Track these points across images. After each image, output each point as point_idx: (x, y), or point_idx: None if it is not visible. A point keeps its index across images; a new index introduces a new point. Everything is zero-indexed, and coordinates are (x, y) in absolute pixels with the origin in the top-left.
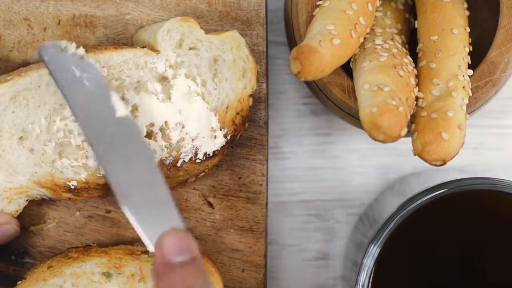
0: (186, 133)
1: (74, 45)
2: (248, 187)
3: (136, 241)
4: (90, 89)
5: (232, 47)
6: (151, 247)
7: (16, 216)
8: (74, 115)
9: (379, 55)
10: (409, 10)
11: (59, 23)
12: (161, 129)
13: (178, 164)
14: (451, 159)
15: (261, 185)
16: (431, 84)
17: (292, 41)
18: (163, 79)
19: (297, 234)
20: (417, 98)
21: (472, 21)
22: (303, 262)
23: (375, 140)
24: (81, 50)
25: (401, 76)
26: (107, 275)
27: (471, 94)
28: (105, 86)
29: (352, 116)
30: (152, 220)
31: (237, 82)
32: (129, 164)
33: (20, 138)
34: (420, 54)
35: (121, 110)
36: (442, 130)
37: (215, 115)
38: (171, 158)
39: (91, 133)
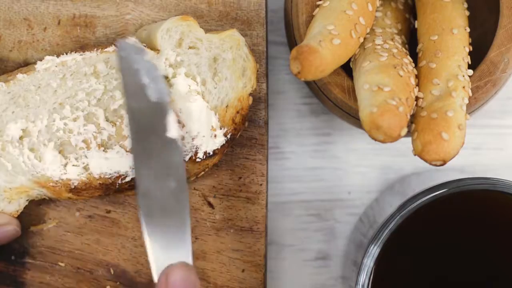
0: (186, 132)
1: (152, 52)
2: (248, 187)
3: (137, 240)
4: (150, 100)
5: (231, 46)
6: (155, 275)
7: (16, 216)
8: (128, 119)
9: (379, 55)
10: (409, 10)
11: (59, 23)
12: None
13: None
14: (451, 159)
15: (261, 185)
16: (431, 84)
17: (292, 41)
18: None
19: (297, 234)
20: (417, 98)
21: (472, 21)
22: (303, 262)
23: (375, 140)
24: (155, 60)
25: (401, 76)
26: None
27: (471, 94)
28: (166, 103)
29: (352, 116)
30: (165, 248)
31: (237, 81)
32: (160, 184)
33: (20, 138)
34: (420, 54)
35: (173, 132)
36: (442, 130)
37: (215, 114)
38: None
39: (136, 143)
